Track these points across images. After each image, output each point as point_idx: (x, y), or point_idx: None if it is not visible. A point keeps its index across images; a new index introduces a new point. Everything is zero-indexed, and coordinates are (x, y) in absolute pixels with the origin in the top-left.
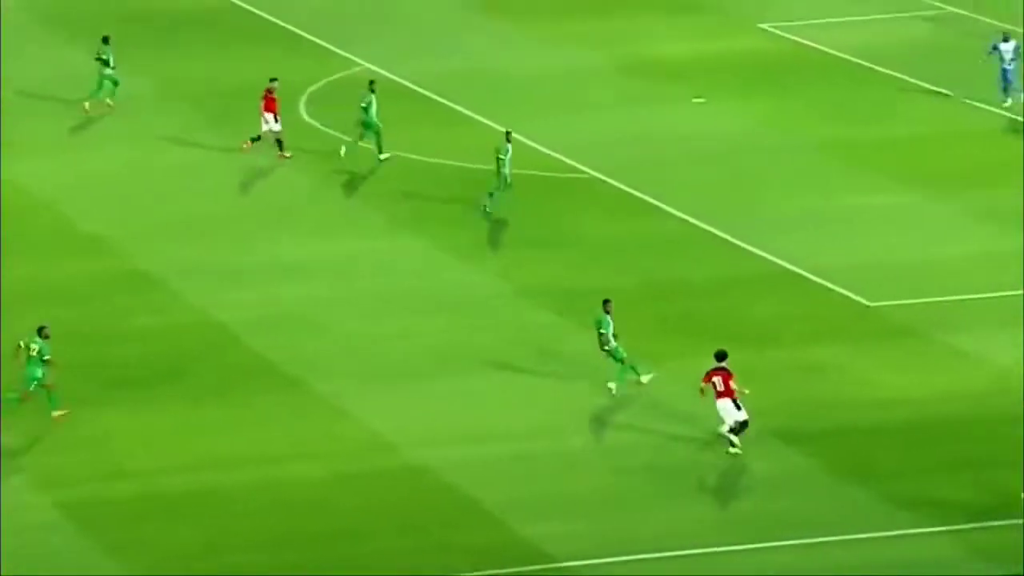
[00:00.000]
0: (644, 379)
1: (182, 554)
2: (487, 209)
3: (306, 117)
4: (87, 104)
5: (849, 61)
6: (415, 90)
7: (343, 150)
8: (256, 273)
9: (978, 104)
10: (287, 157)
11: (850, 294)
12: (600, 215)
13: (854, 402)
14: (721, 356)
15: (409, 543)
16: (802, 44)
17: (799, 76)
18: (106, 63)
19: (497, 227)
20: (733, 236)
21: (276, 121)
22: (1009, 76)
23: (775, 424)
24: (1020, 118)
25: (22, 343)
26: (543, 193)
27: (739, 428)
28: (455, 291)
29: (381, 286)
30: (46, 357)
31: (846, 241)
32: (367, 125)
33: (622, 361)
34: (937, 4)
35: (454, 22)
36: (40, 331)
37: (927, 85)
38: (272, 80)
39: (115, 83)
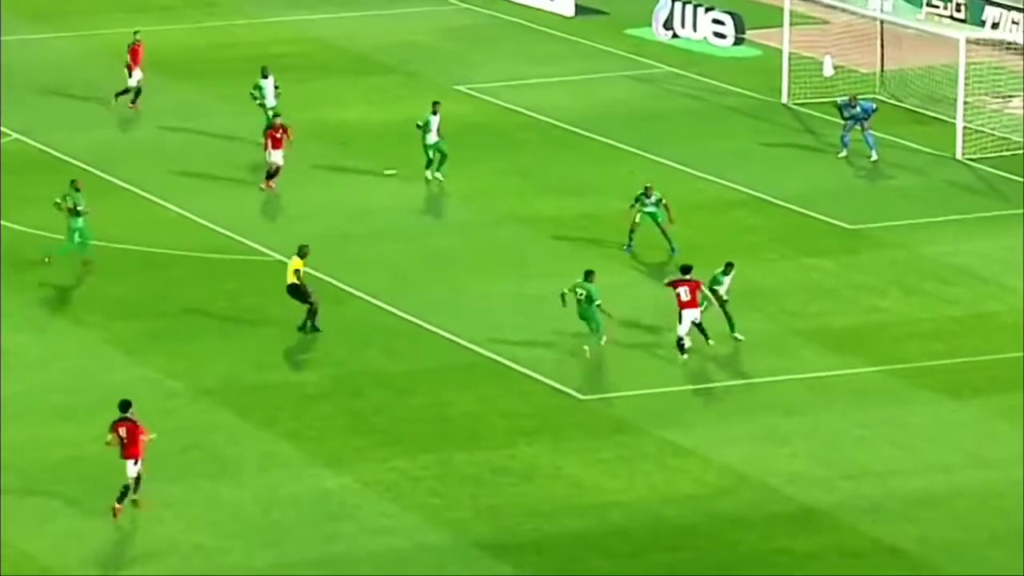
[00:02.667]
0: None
1: None
2: (674, 251)
3: None
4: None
5: (556, 126)
6: (70, 162)
7: (431, 174)
8: None
9: (695, 172)
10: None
11: (559, 386)
12: (282, 302)
13: (565, 507)
14: (687, 269)
15: None
16: (505, 107)
17: (501, 143)
18: (256, 95)
19: (170, 317)
20: (428, 322)
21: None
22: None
23: (479, 534)
24: (748, 189)
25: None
26: (220, 277)
27: (699, 327)
28: (120, 390)
29: (35, 386)
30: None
31: (553, 327)
32: (434, 147)
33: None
34: (648, 61)
35: (109, 86)
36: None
37: (638, 151)
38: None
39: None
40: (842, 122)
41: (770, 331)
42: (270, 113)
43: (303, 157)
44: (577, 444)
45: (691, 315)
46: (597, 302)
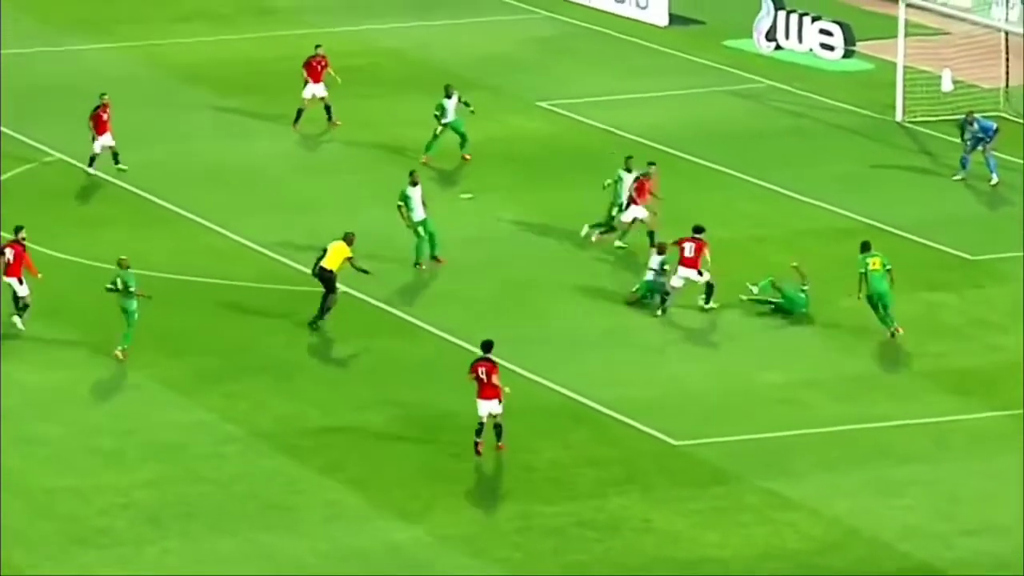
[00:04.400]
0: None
1: None
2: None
3: None
4: (424, 158)
5: (648, 146)
6: (115, 183)
7: (586, 229)
8: None
9: (802, 197)
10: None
11: (653, 431)
12: (346, 337)
13: (656, 562)
14: (699, 229)
15: None
16: (591, 125)
17: (588, 164)
18: (438, 115)
19: (225, 354)
20: (507, 360)
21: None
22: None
23: None
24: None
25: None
26: (280, 310)
27: (667, 295)
28: (170, 434)
29: (79, 429)
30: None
31: (646, 368)
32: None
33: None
34: (749, 76)
35: (161, 102)
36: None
37: (738, 174)
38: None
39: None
40: (961, 142)
41: (886, 372)
42: (438, 130)
43: (372, 180)
44: (670, 494)
45: (686, 273)
46: (888, 267)
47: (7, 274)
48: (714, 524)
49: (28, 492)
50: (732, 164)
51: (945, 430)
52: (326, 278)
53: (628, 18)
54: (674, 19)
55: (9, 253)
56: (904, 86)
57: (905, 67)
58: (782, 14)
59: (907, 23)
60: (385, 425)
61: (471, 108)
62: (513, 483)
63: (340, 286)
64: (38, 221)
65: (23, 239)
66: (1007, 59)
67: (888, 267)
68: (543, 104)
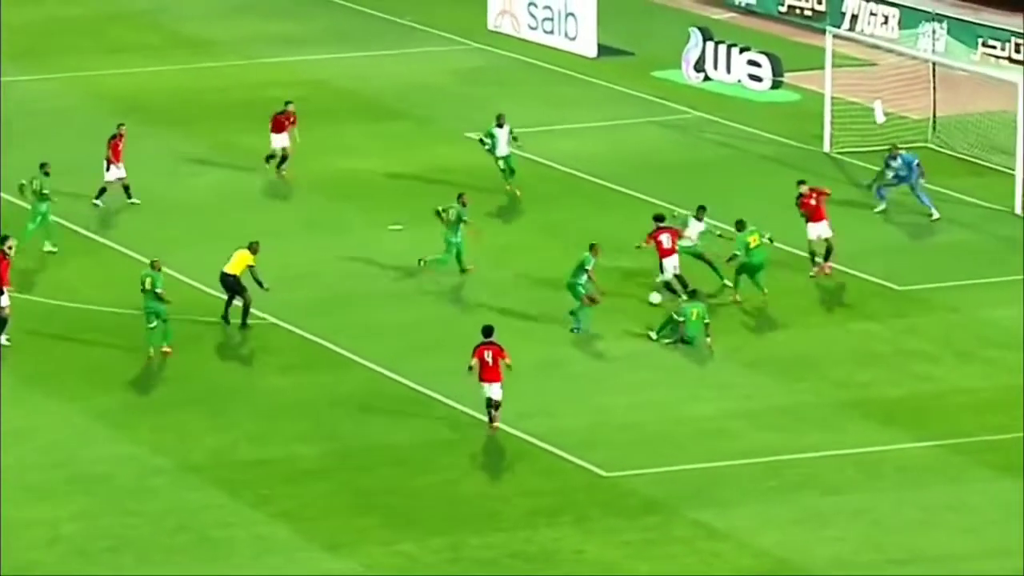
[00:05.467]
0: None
1: None
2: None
3: None
4: (508, 187)
5: (577, 176)
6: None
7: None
8: None
9: (731, 228)
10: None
11: (583, 463)
12: (278, 369)
13: None
14: (660, 218)
15: None
16: (523, 156)
17: (519, 197)
18: (486, 143)
19: (155, 386)
20: (439, 392)
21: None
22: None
23: None
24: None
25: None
26: (210, 342)
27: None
28: (100, 467)
29: (7, 463)
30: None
31: (577, 399)
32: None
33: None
34: (677, 107)
35: (93, 133)
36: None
37: (668, 205)
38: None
39: (509, 168)
40: (884, 174)
41: (814, 402)
42: (500, 164)
43: (303, 211)
44: (602, 525)
45: (672, 262)
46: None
47: None
48: (645, 555)
49: None
50: (661, 194)
51: (873, 460)
52: (229, 283)
53: (557, 49)
54: (603, 50)
55: None
56: (832, 117)
57: (833, 98)
58: (710, 45)
59: (835, 54)
60: (316, 457)
61: (518, 142)
62: (443, 515)
63: (251, 295)
64: None
65: (10, 248)
66: (934, 90)
67: (769, 238)
68: (472, 135)
